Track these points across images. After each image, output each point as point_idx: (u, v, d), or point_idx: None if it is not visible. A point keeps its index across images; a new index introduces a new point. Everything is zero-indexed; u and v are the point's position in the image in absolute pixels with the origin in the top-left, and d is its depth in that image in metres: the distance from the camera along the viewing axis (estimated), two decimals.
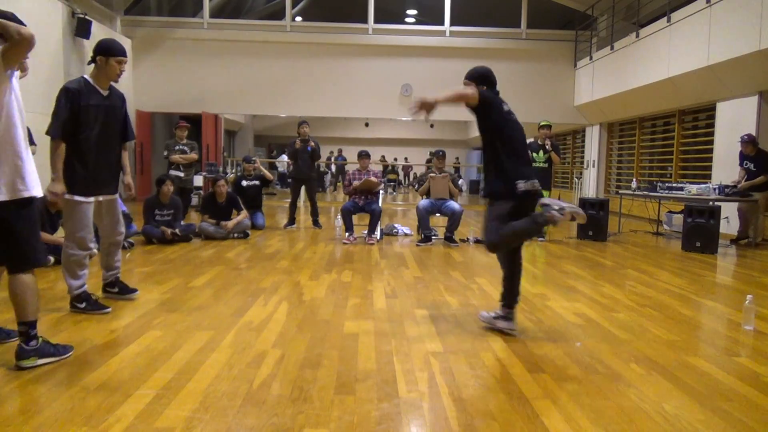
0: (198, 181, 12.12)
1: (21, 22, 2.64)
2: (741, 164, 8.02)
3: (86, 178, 3.66)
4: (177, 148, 8.48)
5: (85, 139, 3.61)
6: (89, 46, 10.56)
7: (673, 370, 2.93)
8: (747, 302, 3.73)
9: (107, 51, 3.64)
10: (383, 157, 24.43)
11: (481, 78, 3.56)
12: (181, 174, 8.41)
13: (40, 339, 2.79)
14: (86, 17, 10.53)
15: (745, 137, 7.84)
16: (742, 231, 8.09)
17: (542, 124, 7.83)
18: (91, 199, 3.72)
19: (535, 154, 7.73)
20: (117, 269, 4.10)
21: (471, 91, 3.41)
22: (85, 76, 3.70)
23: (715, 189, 7.62)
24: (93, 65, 3.68)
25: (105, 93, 3.72)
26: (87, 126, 3.60)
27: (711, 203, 7.28)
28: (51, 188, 3.46)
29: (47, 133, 3.52)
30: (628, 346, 3.31)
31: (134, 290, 4.18)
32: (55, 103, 3.54)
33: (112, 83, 3.78)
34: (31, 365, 2.72)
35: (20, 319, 2.73)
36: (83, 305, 3.72)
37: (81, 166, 3.63)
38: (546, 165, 7.74)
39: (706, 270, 5.99)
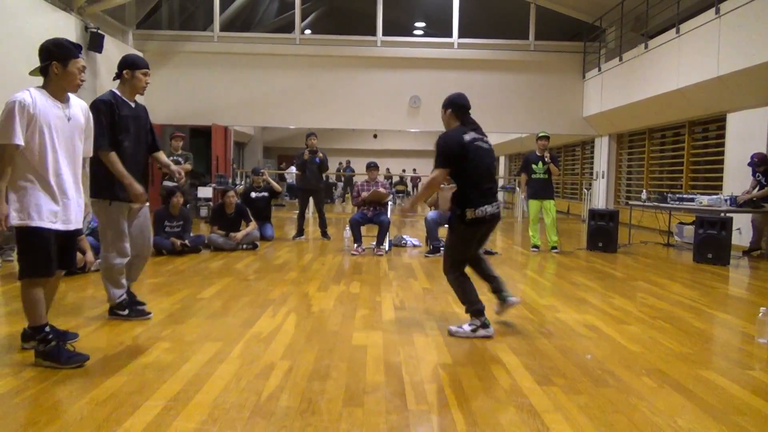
0: (207, 192, 12.20)
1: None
2: (753, 174, 7.96)
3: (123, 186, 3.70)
4: (172, 159, 8.45)
5: (122, 149, 3.69)
6: (102, 59, 10.73)
7: (686, 383, 2.89)
8: (760, 315, 3.68)
9: (133, 65, 3.75)
10: (388, 169, 24.41)
11: (453, 105, 3.80)
12: (177, 184, 8.38)
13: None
14: (99, 31, 10.70)
15: (755, 159, 7.77)
16: (754, 242, 8.01)
17: (540, 135, 7.83)
18: (129, 205, 3.80)
19: (534, 165, 7.74)
20: (133, 280, 4.11)
21: (436, 175, 3.70)
22: (113, 90, 3.78)
23: (726, 200, 7.56)
24: (118, 80, 3.79)
25: (133, 105, 3.82)
26: (123, 137, 3.70)
27: (722, 214, 7.21)
28: (134, 191, 3.65)
29: (97, 148, 3.55)
30: (639, 359, 3.27)
31: (142, 303, 4.15)
32: (93, 117, 3.59)
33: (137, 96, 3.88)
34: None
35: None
36: (126, 312, 3.84)
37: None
38: (546, 176, 7.73)
39: (718, 282, 5.93)
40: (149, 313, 3.93)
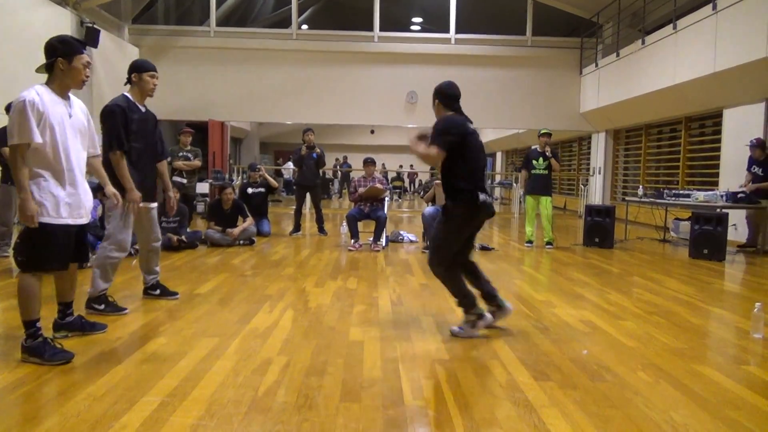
0: (204, 188, 12.18)
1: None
2: (749, 168, 7.99)
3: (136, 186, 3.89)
4: (181, 154, 8.46)
5: (133, 150, 3.88)
6: (97, 54, 10.67)
7: (681, 378, 2.91)
8: (756, 310, 3.70)
9: (140, 68, 3.96)
10: (384, 165, 24.34)
11: (438, 95, 3.70)
12: (184, 180, 8.39)
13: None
14: (94, 26, 10.64)
15: (754, 141, 7.86)
16: (750, 239, 8.04)
17: (542, 132, 7.87)
18: (140, 204, 3.96)
19: (535, 161, 7.80)
20: (157, 273, 4.36)
21: (434, 155, 3.53)
22: (125, 93, 3.96)
23: (722, 196, 7.58)
24: (129, 85, 3.98)
25: (143, 109, 4.01)
26: (135, 138, 3.89)
27: (718, 210, 7.24)
28: (131, 197, 3.78)
29: (110, 150, 3.77)
30: (635, 354, 3.28)
31: (175, 293, 4.42)
32: (107, 122, 3.81)
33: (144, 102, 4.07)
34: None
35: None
36: (102, 307, 3.88)
37: (132, 173, 3.86)
38: (546, 171, 7.80)
39: (713, 277, 5.95)
40: (125, 309, 3.95)
